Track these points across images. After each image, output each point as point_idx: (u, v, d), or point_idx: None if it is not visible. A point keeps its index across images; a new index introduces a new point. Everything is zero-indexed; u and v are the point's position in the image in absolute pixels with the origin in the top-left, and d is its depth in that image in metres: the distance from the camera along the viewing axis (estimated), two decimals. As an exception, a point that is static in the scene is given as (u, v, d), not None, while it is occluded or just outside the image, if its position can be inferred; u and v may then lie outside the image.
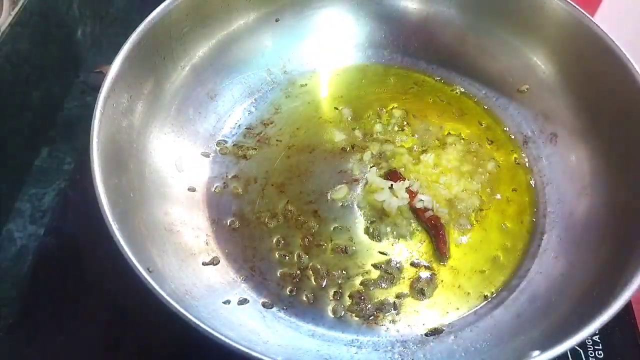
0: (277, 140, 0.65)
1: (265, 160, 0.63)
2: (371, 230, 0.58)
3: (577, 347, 0.55)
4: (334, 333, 0.53)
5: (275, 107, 0.67)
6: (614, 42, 0.57)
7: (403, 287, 0.55)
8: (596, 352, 0.55)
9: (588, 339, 0.56)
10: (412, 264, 0.57)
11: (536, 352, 0.41)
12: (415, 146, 0.65)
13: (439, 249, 0.57)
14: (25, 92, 0.64)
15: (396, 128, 0.66)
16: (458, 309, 0.54)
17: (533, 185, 0.63)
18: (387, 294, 0.55)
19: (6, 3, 0.59)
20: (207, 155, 0.63)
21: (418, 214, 0.59)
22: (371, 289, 0.55)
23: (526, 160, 0.64)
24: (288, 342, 0.51)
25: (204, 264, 0.55)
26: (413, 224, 0.59)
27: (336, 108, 0.68)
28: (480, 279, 0.56)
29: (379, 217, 0.59)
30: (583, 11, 0.59)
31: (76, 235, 0.60)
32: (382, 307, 0.54)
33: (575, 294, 0.51)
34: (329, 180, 0.62)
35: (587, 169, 0.60)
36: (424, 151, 0.64)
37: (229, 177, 0.62)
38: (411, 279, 0.56)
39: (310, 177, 0.62)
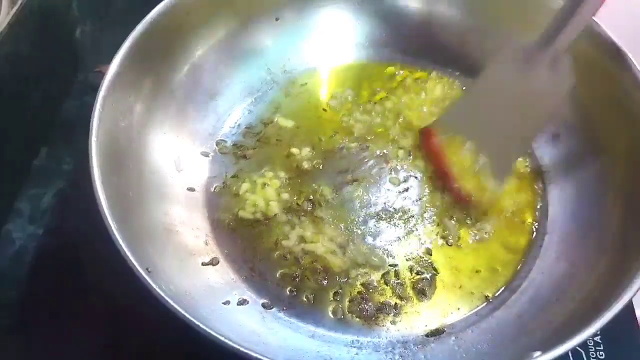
0: (277, 139, 0.65)
1: (265, 159, 0.63)
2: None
3: (578, 348, 0.55)
4: (334, 334, 0.52)
5: (275, 107, 0.67)
6: (615, 41, 0.56)
7: (404, 287, 0.55)
8: (597, 352, 0.55)
9: (589, 339, 0.55)
10: (413, 265, 0.56)
11: (537, 353, 0.41)
12: (416, 145, 0.64)
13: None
14: (25, 92, 0.64)
15: (397, 127, 0.66)
16: (459, 309, 0.54)
17: (534, 185, 0.62)
18: (388, 295, 0.55)
19: (5, 3, 0.59)
20: (207, 155, 0.63)
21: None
22: (371, 289, 0.55)
23: (527, 160, 0.64)
24: (288, 343, 0.51)
25: (204, 264, 0.55)
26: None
27: (332, 108, 0.68)
28: (482, 280, 0.56)
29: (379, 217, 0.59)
30: (584, 10, 0.59)
31: (75, 235, 0.59)
32: (382, 308, 0.54)
33: (576, 294, 0.51)
34: (329, 180, 0.61)
35: (589, 168, 0.60)
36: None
37: (229, 176, 0.62)
38: (412, 280, 0.56)
39: (310, 176, 0.62)
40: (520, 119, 0.53)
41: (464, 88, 0.69)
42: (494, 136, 0.54)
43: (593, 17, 0.49)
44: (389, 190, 0.61)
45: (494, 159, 0.56)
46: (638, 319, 0.57)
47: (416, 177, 0.62)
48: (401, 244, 0.58)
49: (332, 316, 0.53)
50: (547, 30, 0.50)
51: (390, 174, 0.62)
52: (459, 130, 0.57)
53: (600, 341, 0.56)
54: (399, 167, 0.63)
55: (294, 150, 0.64)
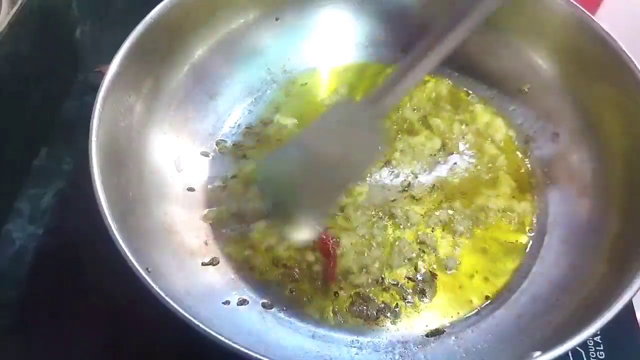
0: (277, 139, 0.65)
1: (265, 160, 0.63)
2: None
3: (578, 348, 0.55)
4: (334, 334, 0.52)
5: (275, 107, 0.67)
6: (615, 41, 0.56)
7: (404, 288, 0.55)
8: (597, 352, 0.55)
9: (589, 339, 0.55)
10: (414, 265, 0.56)
11: (537, 353, 0.41)
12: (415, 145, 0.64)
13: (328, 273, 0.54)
14: (24, 92, 0.64)
15: (395, 127, 0.66)
16: (459, 309, 0.54)
17: (534, 185, 0.62)
18: (388, 295, 0.55)
19: (5, 2, 0.59)
20: (207, 155, 0.63)
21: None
22: (372, 289, 0.55)
23: (527, 160, 0.64)
24: (288, 343, 0.51)
25: (204, 264, 0.55)
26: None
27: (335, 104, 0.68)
28: (481, 280, 0.56)
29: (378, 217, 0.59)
30: (584, 10, 0.59)
31: (75, 235, 0.59)
32: (382, 308, 0.54)
33: (576, 294, 0.51)
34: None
35: (589, 168, 0.60)
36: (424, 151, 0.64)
37: (229, 177, 0.62)
38: (412, 280, 0.56)
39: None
40: (336, 172, 0.53)
41: (465, 89, 0.69)
42: (310, 188, 0.53)
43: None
44: (389, 190, 0.61)
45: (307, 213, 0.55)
46: (638, 319, 0.57)
47: (416, 177, 0.62)
48: (401, 243, 0.57)
49: (332, 316, 0.53)
50: (374, 92, 0.53)
51: (390, 174, 0.62)
52: (275, 179, 0.56)
53: (600, 341, 0.56)
54: (398, 168, 0.63)
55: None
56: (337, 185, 0.55)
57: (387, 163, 0.63)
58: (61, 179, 0.65)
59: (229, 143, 0.64)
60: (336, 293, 0.54)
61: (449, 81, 0.69)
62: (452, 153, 0.64)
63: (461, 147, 0.65)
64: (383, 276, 0.55)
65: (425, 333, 0.53)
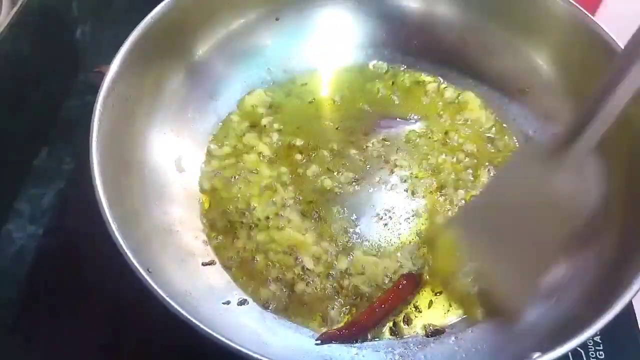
0: (277, 140, 0.64)
1: (266, 160, 0.63)
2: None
3: (578, 348, 0.55)
4: (334, 334, 0.52)
5: (276, 107, 0.67)
6: (615, 41, 0.56)
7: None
8: (597, 352, 0.55)
9: (589, 339, 0.55)
10: (415, 264, 0.56)
11: (537, 354, 0.41)
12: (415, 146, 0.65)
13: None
14: (25, 92, 0.64)
15: (397, 128, 0.66)
16: (459, 309, 0.54)
17: (534, 185, 0.62)
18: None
19: (5, 3, 0.59)
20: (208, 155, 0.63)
21: None
22: (371, 289, 0.55)
23: (526, 159, 0.64)
24: (288, 343, 0.51)
25: (204, 264, 0.55)
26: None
27: (335, 104, 0.68)
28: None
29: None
30: (584, 10, 0.59)
31: (76, 235, 0.60)
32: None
33: (576, 295, 0.51)
34: (329, 180, 0.61)
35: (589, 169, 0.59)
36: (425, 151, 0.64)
37: (229, 177, 0.61)
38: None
39: (311, 177, 0.62)
40: (538, 228, 0.46)
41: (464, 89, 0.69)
42: (508, 249, 0.47)
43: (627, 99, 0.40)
44: (389, 190, 0.61)
45: (509, 277, 0.49)
46: (638, 319, 0.57)
47: (416, 177, 0.62)
48: (401, 244, 0.58)
49: (332, 316, 0.53)
50: (571, 123, 0.41)
51: (391, 174, 0.62)
52: (466, 242, 0.51)
53: (600, 341, 0.56)
54: (398, 168, 0.63)
55: (295, 150, 0.64)
56: (543, 253, 0.47)
57: (386, 163, 0.63)
58: (61, 179, 0.65)
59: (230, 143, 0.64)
60: (336, 292, 0.54)
61: (449, 81, 0.69)
62: (453, 154, 0.64)
63: (461, 147, 0.65)
64: (383, 275, 0.55)
65: (425, 333, 0.53)
